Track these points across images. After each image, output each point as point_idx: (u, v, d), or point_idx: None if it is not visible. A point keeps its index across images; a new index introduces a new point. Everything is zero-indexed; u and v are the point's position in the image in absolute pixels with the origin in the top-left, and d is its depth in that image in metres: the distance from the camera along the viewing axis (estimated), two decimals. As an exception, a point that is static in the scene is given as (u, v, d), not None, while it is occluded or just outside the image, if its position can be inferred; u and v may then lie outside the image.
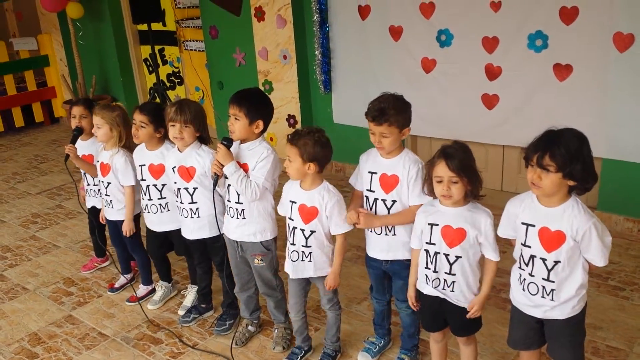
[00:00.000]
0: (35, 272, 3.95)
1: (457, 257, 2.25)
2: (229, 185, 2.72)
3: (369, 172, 2.55)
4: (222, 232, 2.88)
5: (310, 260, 2.59)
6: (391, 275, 2.66)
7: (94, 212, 3.65)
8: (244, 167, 2.68)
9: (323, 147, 2.45)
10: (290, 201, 2.59)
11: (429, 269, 2.31)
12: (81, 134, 3.54)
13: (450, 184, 2.15)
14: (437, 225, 2.26)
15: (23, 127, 7.44)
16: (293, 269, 2.65)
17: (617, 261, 3.52)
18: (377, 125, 2.39)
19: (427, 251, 2.31)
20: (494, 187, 4.42)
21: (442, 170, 2.15)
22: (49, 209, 5.00)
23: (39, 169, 6.06)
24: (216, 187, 2.75)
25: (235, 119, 2.65)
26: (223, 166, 2.65)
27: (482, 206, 2.26)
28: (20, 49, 7.65)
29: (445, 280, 2.28)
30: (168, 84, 7.02)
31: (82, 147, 3.57)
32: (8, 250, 4.29)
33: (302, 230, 2.56)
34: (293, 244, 2.61)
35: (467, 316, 2.32)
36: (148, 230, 3.28)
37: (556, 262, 2.07)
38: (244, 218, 2.74)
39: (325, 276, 2.63)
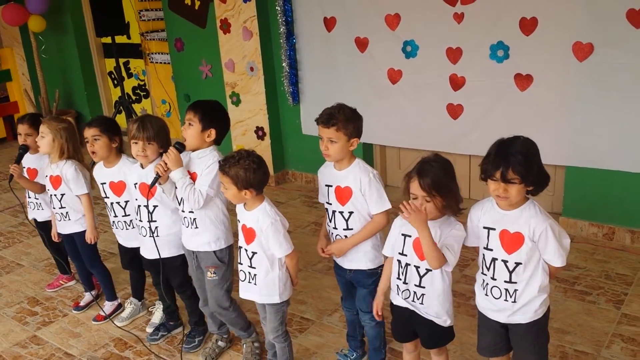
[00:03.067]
0: (-2, 292, 3.85)
1: (427, 270, 2.25)
2: (150, 184, 2.69)
3: (326, 185, 2.58)
4: (176, 253, 2.89)
5: (255, 284, 2.53)
6: (355, 285, 2.66)
7: (38, 224, 3.61)
8: (192, 175, 2.67)
9: (255, 173, 2.37)
10: (237, 219, 2.57)
11: (400, 279, 2.31)
12: (26, 152, 3.46)
13: (424, 202, 2.15)
14: (410, 236, 2.26)
15: (-16, 143, 7.26)
16: (241, 288, 2.61)
17: (583, 266, 3.59)
18: (324, 128, 2.44)
19: (399, 262, 2.31)
20: (462, 196, 4.46)
21: (415, 188, 2.15)
22: (12, 227, 4.87)
23: (2, 186, 5.90)
24: (153, 185, 2.68)
25: (189, 124, 2.65)
26: (166, 169, 2.61)
27: (455, 220, 2.26)
28: (-20, 63, 7.47)
29: (415, 292, 2.28)
30: (134, 97, 6.95)
31: (29, 160, 3.51)
32: (-31, 270, 4.17)
33: (246, 250, 2.52)
34: (240, 263, 2.58)
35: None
36: (119, 244, 3.22)
37: (517, 264, 2.12)
38: (196, 227, 2.71)
39: (272, 304, 2.55)
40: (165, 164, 2.61)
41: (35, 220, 3.62)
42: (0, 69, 7.38)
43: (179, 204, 2.75)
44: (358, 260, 2.57)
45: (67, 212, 3.27)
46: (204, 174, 2.63)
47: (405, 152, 4.70)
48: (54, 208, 3.31)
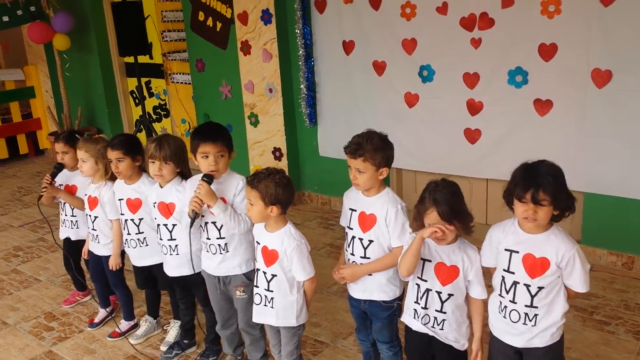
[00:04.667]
0: (16, 306, 3.88)
1: (450, 295, 2.24)
2: (206, 223, 2.68)
3: (350, 209, 2.53)
4: (200, 270, 2.86)
5: (272, 307, 2.51)
6: (370, 317, 2.61)
7: (68, 243, 3.61)
8: (222, 200, 2.67)
9: (284, 189, 2.38)
10: (256, 242, 2.55)
11: (419, 304, 2.29)
12: (61, 170, 3.48)
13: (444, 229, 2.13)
14: (430, 261, 2.25)
15: (7, 158, 7.39)
16: (256, 312, 2.58)
17: (602, 295, 3.53)
18: (352, 159, 2.38)
19: (418, 286, 2.29)
20: (479, 221, 4.38)
21: (434, 219, 2.14)
22: (31, 242, 4.94)
23: (22, 201, 6.00)
24: (193, 225, 2.67)
25: (221, 156, 2.64)
26: (201, 205, 2.60)
27: (469, 242, 2.27)
28: (5, 79, 7.64)
29: (435, 318, 2.26)
30: (154, 116, 7.04)
31: (68, 177, 3.53)
32: (-12, 284, 4.23)
33: (264, 273, 2.50)
34: (257, 286, 2.56)
35: None
36: (132, 265, 3.25)
37: (540, 288, 2.09)
38: (227, 252, 2.71)
39: (289, 327, 2.54)
40: (200, 200, 2.59)
41: (68, 239, 3.61)
42: (24, 86, 7.55)
43: (204, 232, 2.73)
44: (372, 290, 2.51)
45: (97, 235, 3.31)
46: (239, 199, 2.64)
47: (422, 175, 4.69)
48: (87, 228, 3.37)
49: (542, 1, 3.73)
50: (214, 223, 2.69)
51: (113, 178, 3.22)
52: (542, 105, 3.88)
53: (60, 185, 3.50)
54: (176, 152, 2.82)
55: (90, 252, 3.43)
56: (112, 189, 3.20)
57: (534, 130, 3.94)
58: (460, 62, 4.16)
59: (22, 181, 6.70)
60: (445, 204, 2.12)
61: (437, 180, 2.23)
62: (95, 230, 3.30)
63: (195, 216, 2.63)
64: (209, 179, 2.63)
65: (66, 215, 3.56)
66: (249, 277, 2.75)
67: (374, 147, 2.36)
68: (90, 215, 3.29)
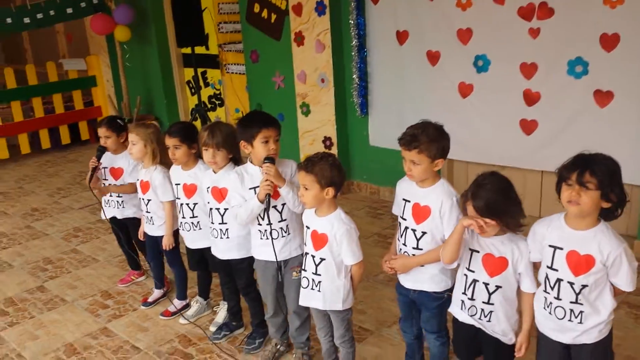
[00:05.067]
0: (74, 284, 4.06)
1: (497, 287, 2.20)
2: (265, 209, 2.68)
3: (403, 199, 2.50)
4: (247, 255, 2.93)
5: (319, 290, 2.53)
6: (419, 307, 2.58)
7: (115, 222, 3.77)
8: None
9: (339, 171, 2.43)
10: (306, 226, 2.58)
11: (466, 295, 2.27)
12: (104, 152, 3.63)
13: (484, 223, 2.11)
14: (478, 252, 2.22)
15: (69, 144, 7.71)
16: (303, 296, 2.61)
17: (659, 293, 3.40)
18: (406, 151, 2.34)
19: (465, 276, 2.26)
20: (532, 214, 4.34)
21: (471, 211, 2.13)
22: (90, 224, 5.14)
23: (82, 185, 6.24)
24: (268, 208, 2.66)
25: (276, 140, 2.69)
26: (273, 187, 2.62)
27: (521, 235, 2.22)
28: (69, 69, 7.96)
29: (482, 309, 2.24)
30: (209, 106, 7.19)
31: (112, 159, 3.69)
32: (49, 262, 4.43)
33: (313, 257, 2.51)
34: (304, 269, 2.58)
35: (516, 355, 2.26)
36: (186, 247, 3.34)
37: (584, 286, 2.04)
38: (289, 234, 2.75)
39: (337, 311, 2.56)
40: (271, 182, 2.60)
41: (115, 218, 3.77)
42: (86, 76, 7.84)
43: (266, 218, 2.71)
44: (423, 281, 2.48)
45: (151, 217, 3.43)
46: (295, 180, 2.68)
47: (474, 166, 4.62)
48: (141, 210, 3.49)
49: (604, -10, 3.61)
50: (274, 207, 2.72)
51: (163, 162, 3.32)
52: (603, 97, 3.76)
53: (104, 167, 3.67)
54: (228, 139, 2.86)
55: (145, 234, 3.55)
56: (162, 172, 3.30)
57: (593, 122, 3.83)
58: (518, 52, 4.07)
59: (83, 166, 6.98)
60: (482, 200, 2.09)
61: (486, 173, 2.19)
62: (149, 212, 3.41)
63: (269, 199, 2.64)
64: (271, 161, 2.65)
65: (111, 195, 3.70)
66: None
67: (429, 138, 2.31)
68: (143, 199, 3.41)
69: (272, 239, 2.72)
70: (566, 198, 1.99)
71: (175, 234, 3.43)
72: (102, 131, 3.65)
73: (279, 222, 2.74)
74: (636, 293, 3.32)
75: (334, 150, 5.30)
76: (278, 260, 2.76)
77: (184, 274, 3.56)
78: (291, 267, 2.79)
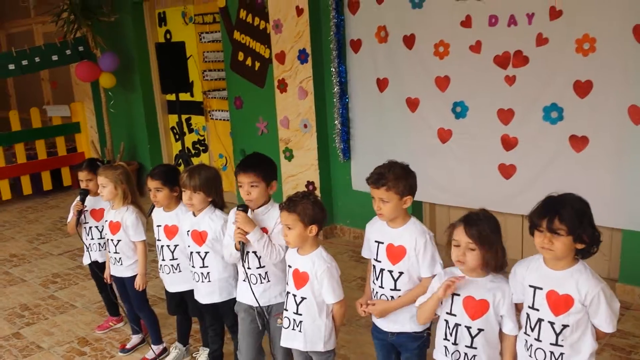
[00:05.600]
0: (51, 331, 3.96)
1: (480, 330, 2.19)
2: (247, 253, 2.69)
3: (376, 241, 2.51)
4: (229, 297, 2.89)
5: (300, 330, 2.50)
6: (398, 349, 2.56)
7: (97, 266, 3.70)
8: (263, 231, 2.69)
9: (321, 209, 2.46)
10: (288, 265, 2.58)
11: (448, 340, 2.25)
12: (87, 195, 3.62)
13: (467, 250, 2.13)
14: (459, 295, 2.22)
15: (51, 190, 7.65)
16: (284, 337, 2.58)
17: (640, 335, 3.42)
18: (375, 189, 2.39)
19: (446, 322, 2.25)
20: (514, 257, 4.31)
21: (460, 234, 2.14)
22: (70, 270, 5.06)
23: (63, 231, 6.17)
24: (245, 255, 2.68)
25: (252, 186, 2.66)
26: (245, 234, 2.62)
27: (503, 277, 2.24)
28: (53, 115, 7.99)
29: (466, 354, 2.22)
30: (193, 151, 7.22)
31: (94, 202, 3.66)
32: (26, 308, 4.33)
33: (294, 296, 2.50)
34: (286, 309, 2.56)
35: None
36: (165, 290, 3.30)
37: (564, 326, 2.04)
38: (268, 281, 2.72)
39: (318, 353, 2.53)
40: (241, 229, 2.62)
41: (96, 262, 3.70)
42: (70, 122, 7.86)
43: (243, 261, 2.71)
44: (403, 322, 2.47)
45: (120, 258, 3.39)
46: (277, 229, 2.64)
47: (456, 210, 4.66)
48: (109, 252, 3.45)
49: (576, 39, 3.75)
50: (254, 252, 2.71)
51: (133, 202, 3.34)
52: (578, 142, 3.85)
53: (86, 210, 3.65)
54: (207, 182, 2.87)
55: (113, 276, 3.50)
56: (134, 213, 3.32)
57: (570, 167, 3.90)
58: (495, 98, 4.18)
59: (64, 211, 6.88)
60: (474, 225, 2.12)
61: (480, 209, 2.23)
62: (118, 253, 3.38)
63: (243, 247, 2.66)
64: (243, 208, 2.67)
65: (92, 238, 3.67)
66: None
67: (396, 175, 2.37)
68: (112, 240, 3.38)
69: (250, 283, 2.71)
70: (539, 244, 2.03)
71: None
72: (83, 174, 3.65)
73: (257, 268, 2.72)
74: (620, 335, 3.36)
75: (317, 195, 5.31)
76: (255, 305, 2.73)
77: (154, 317, 3.51)
78: (275, 315, 2.75)
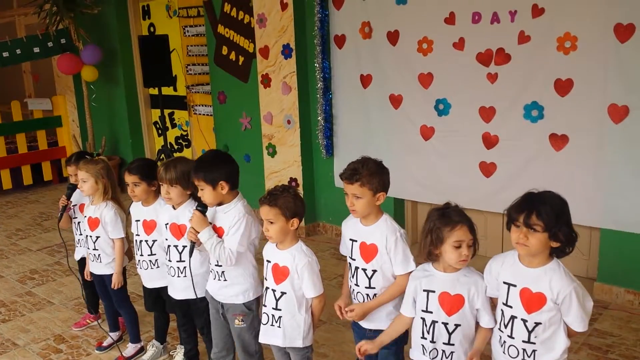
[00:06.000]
0: (27, 328, 3.91)
1: (457, 326, 2.19)
2: (189, 253, 2.71)
3: (350, 240, 2.51)
4: (203, 294, 2.86)
5: (279, 326, 2.49)
6: None
7: (83, 264, 3.62)
8: (219, 230, 2.66)
9: (301, 202, 2.46)
10: (267, 260, 2.56)
11: (426, 338, 2.23)
12: (74, 190, 3.54)
13: (468, 248, 2.13)
14: (434, 292, 2.21)
15: (31, 185, 7.55)
16: (262, 332, 2.57)
17: (618, 334, 3.43)
18: (348, 184, 2.39)
19: (423, 320, 2.24)
20: (494, 255, 4.38)
21: (463, 234, 2.12)
22: (48, 266, 5.00)
23: (42, 226, 6.10)
24: (192, 254, 2.72)
25: (200, 189, 2.63)
26: (196, 233, 2.63)
27: (475, 270, 2.24)
28: (34, 109, 7.88)
29: (443, 350, 2.21)
30: (176, 146, 7.16)
31: (80, 197, 3.57)
32: (3, 305, 4.27)
33: (274, 291, 2.49)
34: (264, 305, 2.55)
35: None
36: (143, 286, 3.26)
37: (537, 324, 2.04)
38: (225, 280, 2.71)
39: (296, 349, 2.52)
40: (193, 228, 2.63)
41: (84, 259, 3.62)
42: (52, 115, 7.76)
43: (190, 258, 2.75)
44: (380, 320, 2.48)
45: (99, 255, 3.34)
46: (231, 232, 2.61)
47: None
48: (87, 248, 3.40)
49: (558, 37, 3.75)
50: None
51: (113, 198, 3.28)
52: (558, 140, 3.86)
53: (74, 205, 3.57)
54: (183, 175, 2.83)
55: (92, 274, 3.45)
56: (113, 209, 3.26)
57: (549, 165, 3.91)
58: (477, 96, 4.17)
59: (45, 207, 6.83)
60: (470, 220, 2.13)
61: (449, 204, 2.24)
62: (97, 249, 3.32)
63: (193, 245, 2.68)
64: (202, 207, 2.67)
65: (81, 234, 3.60)
66: (249, 307, 2.72)
67: (369, 171, 2.37)
68: (91, 236, 3.32)
69: (212, 278, 2.75)
70: (514, 240, 2.03)
71: (123, 273, 3.35)
72: (71, 169, 3.58)
73: (216, 265, 2.71)
74: (598, 334, 3.38)
75: (300, 192, 5.28)
76: (214, 298, 2.76)
77: (134, 315, 3.46)
78: (232, 314, 2.74)
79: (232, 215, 2.64)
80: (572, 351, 3.15)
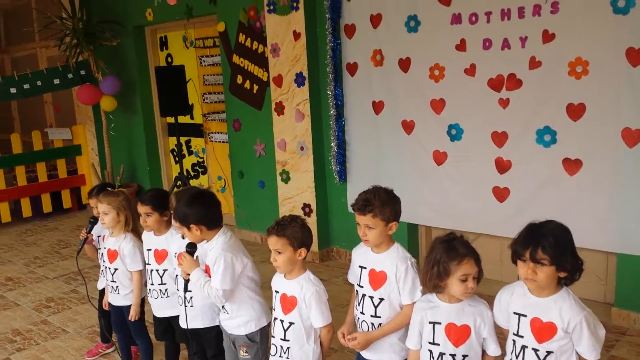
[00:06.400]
0: (41, 357, 3.93)
1: (464, 356, 2.17)
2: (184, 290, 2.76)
3: (359, 267, 2.51)
4: (211, 324, 2.88)
5: (287, 357, 2.47)
6: None
7: (103, 293, 3.63)
8: (207, 269, 2.69)
9: (309, 232, 2.47)
10: (275, 291, 2.56)
11: None
12: (96, 223, 3.54)
13: (473, 280, 2.13)
14: (440, 323, 2.19)
15: (51, 212, 7.66)
16: None
17: (637, 362, 3.35)
18: (361, 216, 2.38)
19: (430, 352, 2.21)
20: (510, 280, 4.31)
21: (470, 268, 2.12)
22: (64, 294, 5.04)
23: (60, 254, 6.16)
24: (187, 291, 2.77)
25: (182, 235, 2.76)
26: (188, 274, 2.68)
27: (479, 298, 2.23)
28: (54, 138, 8.03)
29: None
30: (193, 173, 7.23)
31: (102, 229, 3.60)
32: (18, 334, 4.30)
33: (282, 321, 2.49)
34: (273, 336, 2.54)
35: None
36: (153, 315, 3.27)
37: (548, 353, 2.02)
38: (227, 313, 2.73)
39: None
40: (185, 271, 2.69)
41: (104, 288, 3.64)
42: (72, 144, 7.91)
43: (185, 294, 2.80)
44: (382, 351, 2.47)
45: (117, 287, 3.35)
46: (214, 270, 2.63)
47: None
48: (106, 280, 3.42)
49: (569, 62, 3.74)
50: None
51: (133, 230, 3.31)
52: (572, 165, 3.82)
53: (98, 236, 3.60)
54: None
55: (110, 304, 3.47)
56: (132, 241, 3.28)
57: (563, 190, 3.87)
58: (489, 121, 4.17)
59: (64, 234, 6.91)
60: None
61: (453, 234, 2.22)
62: (115, 282, 3.34)
63: (186, 283, 2.74)
64: (191, 248, 2.71)
65: (104, 264, 3.62)
66: (252, 339, 2.72)
67: (382, 202, 2.37)
68: (109, 268, 3.34)
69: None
70: (522, 275, 2.03)
71: (141, 304, 3.36)
72: (93, 201, 3.57)
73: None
74: (610, 362, 3.29)
75: (314, 217, 5.31)
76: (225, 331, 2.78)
77: (150, 346, 3.46)
78: (238, 345, 2.74)
79: (213, 253, 2.66)
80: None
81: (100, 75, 7.02)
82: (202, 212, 2.68)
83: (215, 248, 2.67)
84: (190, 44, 6.78)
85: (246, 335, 2.70)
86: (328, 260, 5.40)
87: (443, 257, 2.15)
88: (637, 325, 3.70)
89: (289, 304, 2.47)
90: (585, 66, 3.69)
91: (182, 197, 2.83)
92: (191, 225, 2.65)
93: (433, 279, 2.17)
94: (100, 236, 3.61)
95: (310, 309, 2.43)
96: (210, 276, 2.66)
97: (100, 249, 3.62)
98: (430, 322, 2.20)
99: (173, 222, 2.73)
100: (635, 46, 3.48)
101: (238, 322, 2.70)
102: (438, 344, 2.18)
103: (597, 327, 2.01)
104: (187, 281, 2.72)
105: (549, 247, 1.95)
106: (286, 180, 5.47)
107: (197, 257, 2.76)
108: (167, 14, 6.51)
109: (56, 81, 6.93)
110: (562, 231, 2.01)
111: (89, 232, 3.55)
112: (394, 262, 2.40)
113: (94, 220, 3.56)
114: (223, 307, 2.71)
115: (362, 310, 2.48)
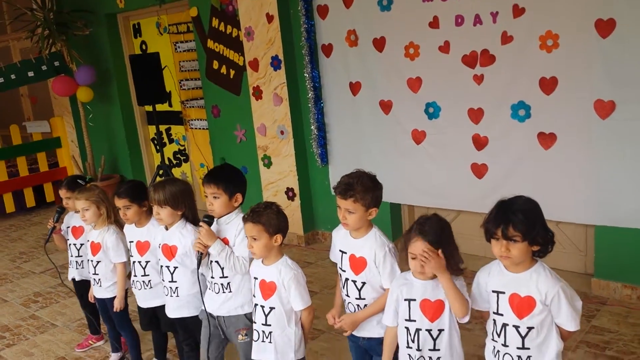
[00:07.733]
0: (31, 351, 3.95)
1: (440, 331, 2.21)
2: (211, 262, 2.74)
3: (340, 251, 2.55)
4: (206, 310, 2.87)
5: (270, 342, 2.52)
6: (370, 352, 2.61)
7: (75, 283, 3.72)
8: (224, 241, 2.71)
9: (284, 218, 2.50)
10: (254, 277, 2.60)
11: (411, 347, 2.25)
12: (62, 214, 3.64)
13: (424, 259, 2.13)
14: (415, 300, 2.23)
15: (34, 207, 7.61)
16: (255, 349, 2.59)
17: (615, 330, 3.43)
18: (342, 199, 2.41)
19: (407, 329, 2.25)
20: (490, 255, 4.39)
21: (417, 248, 2.14)
22: (51, 288, 5.05)
23: (46, 248, 6.13)
24: (200, 267, 2.74)
25: (214, 197, 2.71)
26: (206, 246, 2.66)
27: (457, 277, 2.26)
28: (33, 131, 7.95)
29: (430, 357, 2.23)
30: (174, 162, 7.21)
31: (75, 219, 3.63)
32: (7, 329, 4.32)
33: (262, 307, 2.53)
34: (254, 322, 2.58)
35: None
36: (138, 306, 3.29)
37: (529, 329, 2.06)
38: (230, 291, 2.74)
39: None
40: (202, 241, 2.66)
41: (73, 279, 3.72)
42: (51, 137, 7.83)
43: (210, 271, 2.77)
44: (371, 328, 2.53)
45: (99, 279, 3.38)
46: (238, 241, 2.68)
47: (434, 211, 4.68)
48: (89, 272, 3.45)
49: (540, 36, 3.76)
50: (217, 262, 2.73)
51: (116, 221, 3.32)
52: (546, 139, 3.87)
53: (67, 227, 3.64)
54: (173, 196, 2.86)
55: (94, 296, 3.50)
56: (115, 233, 3.30)
57: (539, 164, 3.92)
58: (465, 98, 4.19)
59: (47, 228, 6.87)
60: (430, 231, 2.13)
61: (426, 215, 2.26)
62: (97, 274, 3.37)
63: (200, 257, 2.70)
64: (209, 219, 2.71)
65: (72, 255, 3.67)
66: (251, 319, 2.74)
67: (364, 187, 2.39)
68: (92, 261, 3.37)
69: (214, 292, 2.76)
70: (497, 253, 2.07)
71: (125, 296, 3.39)
72: (62, 192, 3.64)
73: (221, 277, 2.74)
74: (595, 331, 3.39)
75: (297, 201, 5.34)
76: (216, 315, 2.78)
77: (136, 336, 3.49)
78: (236, 330, 2.77)
79: (235, 224, 2.71)
80: (569, 350, 3.17)
81: (75, 65, 6.93)
82: (245, 184, 2.82)
83: (237, 219, 2.71)
84: (164, 30, 6.70)
85: (245, 315, 2.73)
86: (314, 243, 5.44)
87: (407, 231, 2.23)
88: (617, 295, 3.80)
89: (268, 289, 2.51)
90: (556, 39, 3.71)
91: (224, 169, 2.90)
92: (237, 194, 2.74)
93: (403, 250, 2.24)
94: (69, 227, 3.65)
95: (290, 292, 2.47)
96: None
97: (67, 239, 3.65)
98: (405, 300, 2.25)
99: (212, 188, 2.71)
100: (604, 17, 3.50)
101: (240, 301, 2.73)
102: (414, 320, 2.23)
103: (574, 297, 2.06)
104: (200, 256, 2.69)
105: (520, 223, 1.98)
106: (268, 165, 5.48)
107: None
108: (139, 1, 6.42)
109: (30, 74, 6.84)
110: (531, 205, 2.05)
111: (56, 221, 3.60)
112: (372, 248, 2.44)
113: (61, 210, 3.64)
114: (228, 285, 2.71)
115: (347, 293, 2.55)
